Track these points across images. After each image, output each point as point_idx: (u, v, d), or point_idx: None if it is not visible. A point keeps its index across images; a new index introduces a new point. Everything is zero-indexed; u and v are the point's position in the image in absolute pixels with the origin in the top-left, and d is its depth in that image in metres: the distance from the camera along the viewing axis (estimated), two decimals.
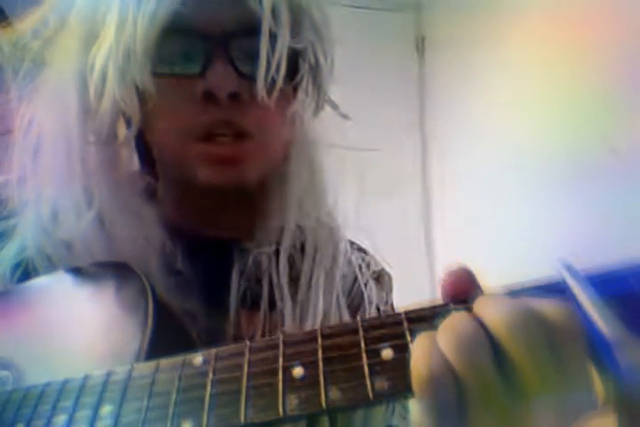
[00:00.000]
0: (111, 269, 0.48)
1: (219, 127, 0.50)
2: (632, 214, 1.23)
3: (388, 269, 0.67)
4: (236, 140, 0.51)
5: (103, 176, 0.53)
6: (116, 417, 0.33)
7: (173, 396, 0.33)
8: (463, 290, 0.33)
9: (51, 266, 0.51)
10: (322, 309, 0.55)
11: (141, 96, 0.50)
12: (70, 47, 0.52)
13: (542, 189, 1.59)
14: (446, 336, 0.29)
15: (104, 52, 0.50)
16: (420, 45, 2.30)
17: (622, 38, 1.33)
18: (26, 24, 0.54)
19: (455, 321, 0.30)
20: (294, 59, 0.52)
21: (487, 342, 0.29)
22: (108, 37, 0.50)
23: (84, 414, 0.34)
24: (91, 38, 0.51)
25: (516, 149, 1.72)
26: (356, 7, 2.14)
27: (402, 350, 0.30)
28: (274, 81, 0.49)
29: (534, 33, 1.67)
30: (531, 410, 0.29)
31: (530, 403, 0.29)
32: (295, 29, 0.50)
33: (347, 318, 0.57)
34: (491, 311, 0.30)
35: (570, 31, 1.50)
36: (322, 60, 0.54)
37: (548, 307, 0.30)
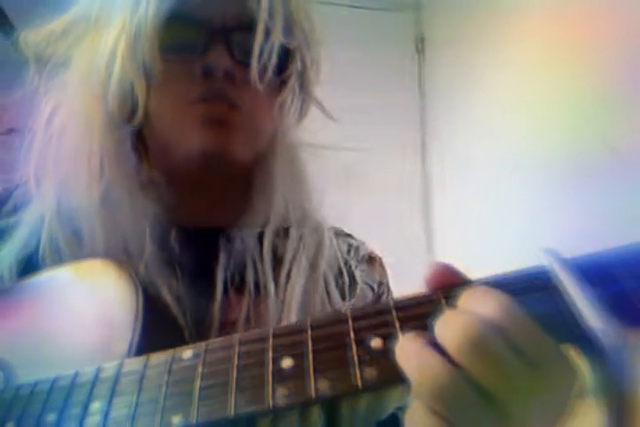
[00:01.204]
0: (102, 266, 0.49)
1: (214, 95, 0.54)
2: (632, 214, 1.23)
3: (377, 252, 0.69)
4: (230, 109, 0.55)
5: (110, 169, 0.56)
6: (106, 413, 0.33)
7: (163, 390, 0.33)
8: (446, 284, 0.33)
9: (58, 258, 0.53)
10: (304, 294, 0.57)
11: (147, 75, 0.53)
12: (91, 42, 0.56)
13: (542, 188, 1.58)
14: (412, 376, 0.29)
15: (115, 34, 0.54)
16: (420, 45, 2.30)
17: (622, 38, 1.33)
18: (51, 25, 0.58)
19: (412, 350, 0.29)
20: (284, 57, 0.57)
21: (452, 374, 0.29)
22: (119, 23, 0.54)
23: (74, 410, 0.34)
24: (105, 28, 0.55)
25: (516, 148, 1.72)
26: (356, 7, 2.15)
27: (391, 339, 0.30)
28: (265, 69, 0.54)
29: (534, 33, 1.66)
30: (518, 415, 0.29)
31: (515, 410, 0.29)
32: (286, 33, 0.56)
33: (336, 299, 0.59)
34: (447, 336, 0.30)
35: (570, 31, 1.50)
36: (308, 63, 0.60)
37: (499, 310, 0.30)
